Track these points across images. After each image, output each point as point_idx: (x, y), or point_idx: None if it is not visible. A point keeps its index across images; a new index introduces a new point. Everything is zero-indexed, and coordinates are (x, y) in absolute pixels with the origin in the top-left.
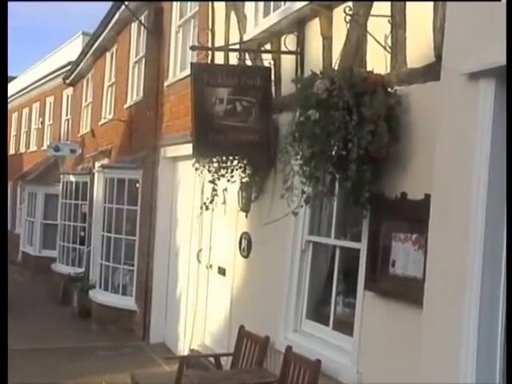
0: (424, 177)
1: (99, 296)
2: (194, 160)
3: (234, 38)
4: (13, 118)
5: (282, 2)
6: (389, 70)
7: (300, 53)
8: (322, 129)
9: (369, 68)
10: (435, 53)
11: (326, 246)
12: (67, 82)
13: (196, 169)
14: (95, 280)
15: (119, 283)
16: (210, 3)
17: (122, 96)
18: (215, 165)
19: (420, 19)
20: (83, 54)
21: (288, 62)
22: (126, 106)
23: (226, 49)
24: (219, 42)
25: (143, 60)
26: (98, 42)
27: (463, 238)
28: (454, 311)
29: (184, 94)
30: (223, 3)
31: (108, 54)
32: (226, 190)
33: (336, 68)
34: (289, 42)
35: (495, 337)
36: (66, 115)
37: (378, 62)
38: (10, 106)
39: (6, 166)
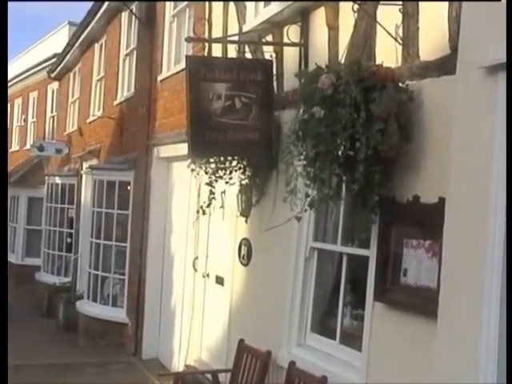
0: (438, 178)
1: (87, 308)
2: (189, 161)
3: (233, 28)
4: None
5: None
6: (400, 64)
7: (304, 45)
8: (328, 127)
9: (378, 61)
10: (450, 44)
11: (332, 253)
12: (52, 75)
13: (192, 170)
14: (83, 290)
15: (109, 294)
16: None
17: (112, 91)
18: (212, 166)
19: (434, 8)
20: (69, 45)
21: (291, 55)
22: (116, 103)
23: (224, 41)
24: (217, 33)
25: (134, 52)
26: (86, 32)
27: (481, 244)
28: (471, 324)
29: (179, 90)
30: None
31: (96, 46)
32: (224, 192)
33: (343, 61)
34: (292, 33)
35: None
36: (51, 112)
37: (388, 54)
38: None
39: (5, 166)
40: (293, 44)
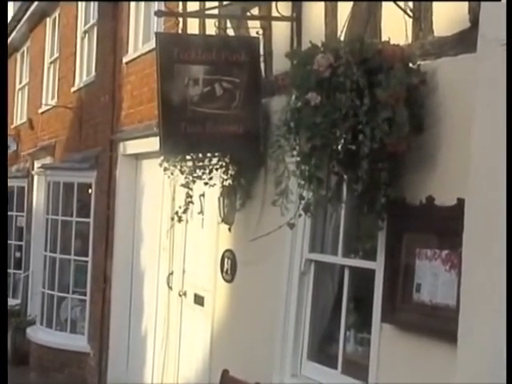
0: (456, 176)
1: (40, 335)
2: (162, 158)
3: (212, 1)
4: None
5: None
6: (410, 40)
7: (296, 19)
8: (325, 116)
9: (384, 37)
10: (470, 17)
11: (332, 266)
12: None
13: (165, 169)
14: (35, 314)
15: (67, 318)
16: None
17: (69, 76)
18: (189, 164)
19: None
20: (15, 20)
21: (281, 32)
22: (73, 89)
23: (201, 15)
24: (193, 6)
25: (95, 29)
26: (35, 5)
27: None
28: (496, 347)
29: (148, 74)
30: None
31: (49, 21)
32: (203, 195)
33: (342, 38)
34: (282, 5)
35: None
36: None
37: (396, 29)
38: None
39: (5, 167)
40: (283, 18)
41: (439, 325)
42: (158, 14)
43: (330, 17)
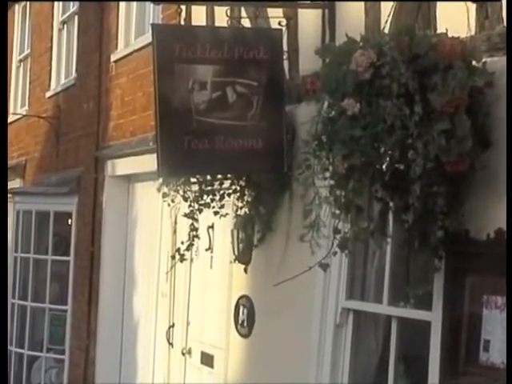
0: None
1: None
2: (160, 181)
3: None
4: None
5: None
6: (473, 32)
7: (329, 6)
8: (366, 128)
9: (440, 29)
10: None
11: (376, 317)
12: None
13: (164, 195)
14: None
15: (40, 383)
16: None
17: (43, 77)
18: (195, 188)
19: None
20: None
21: (310, 23)
22: (49, 94)
23: (209, 1)
24: None
25: (75, 19)
26: None
27: None
28: None
29: (143, 75)
30: None
31: (17, 9)
32: (212, 227)
33: (386, 30)
34: None
35: None
36: None
37: (455, 18)
38: None
39: (6, 167)
40: (312, 5)
41: None
42: (155, 0)
43: (372, 4)
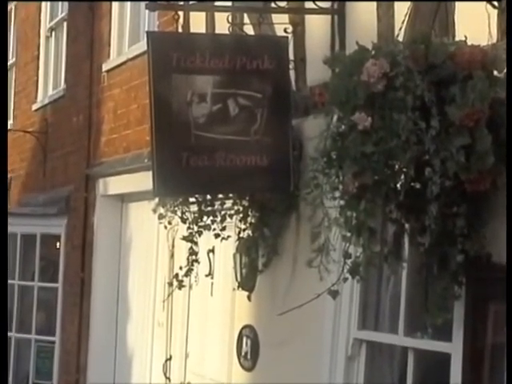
0: None
1: None
2: (156, 201)
3: None
4: None
5: None
6: (495, 39)
7: (339, 12)
8: (378, 144)
9: (459, 36)
10: None
11: (391, 348)
12: None
13: (160, 216)
14: None
15: None
16: None
17: (29, 89)
18: (194, 209)
19: None
20: None
21: (318, 30)
22: (35, 107)
23: (209, 7)
24: None
25: (64, 26)
26: None
27: None
28: None
29: (137, 86)
30: None
31: None
32: (212, 251)
33: (401, 38)
34: None
35: None
36: None
37: (475, 25)
38: None
39: (6, 168)
40: (321, 11)
41: None
42: (150, 6)
43: (385, 9)
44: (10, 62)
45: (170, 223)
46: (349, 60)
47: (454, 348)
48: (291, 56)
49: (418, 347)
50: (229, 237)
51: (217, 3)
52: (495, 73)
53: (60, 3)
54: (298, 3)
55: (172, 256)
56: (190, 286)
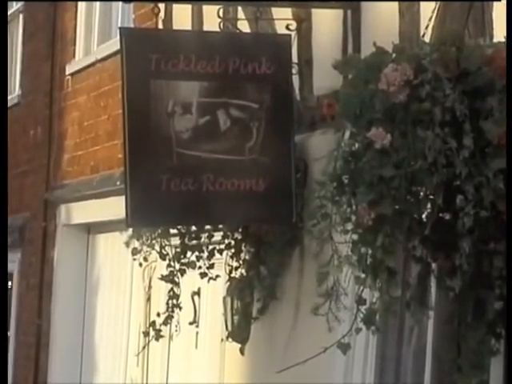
0: None
1: None
2: (129, 232)
3: None
4: None
5: None
6: None
7: (352, 7)
8: (399, 166)
9: (498, 37)
10: None
11: None
12: None
13: (134, 251)
14: None
15: None
16: None
17: None
18: (176, 242)
19: None
20: None
21: (327, 26)
22: None
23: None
24: None
25: (20, 18)
26: None
27: None
28: None
29: (108, 93)
30: None
31: None
32: (197, 294)
33: (427, 39)
34: None
35: None
36: None
37: None
38: None
39: (5, 169)
40: (331, 5)
41: None
42: None
43: (408, 3)
44: None
45: (146, 259)
46: (364, 64)
47: None
48: (294, 58)
49: None
50: (217, 276)
51: None
52: None
53: None
54: None
55: (148, 299)
56: (170, 337)
